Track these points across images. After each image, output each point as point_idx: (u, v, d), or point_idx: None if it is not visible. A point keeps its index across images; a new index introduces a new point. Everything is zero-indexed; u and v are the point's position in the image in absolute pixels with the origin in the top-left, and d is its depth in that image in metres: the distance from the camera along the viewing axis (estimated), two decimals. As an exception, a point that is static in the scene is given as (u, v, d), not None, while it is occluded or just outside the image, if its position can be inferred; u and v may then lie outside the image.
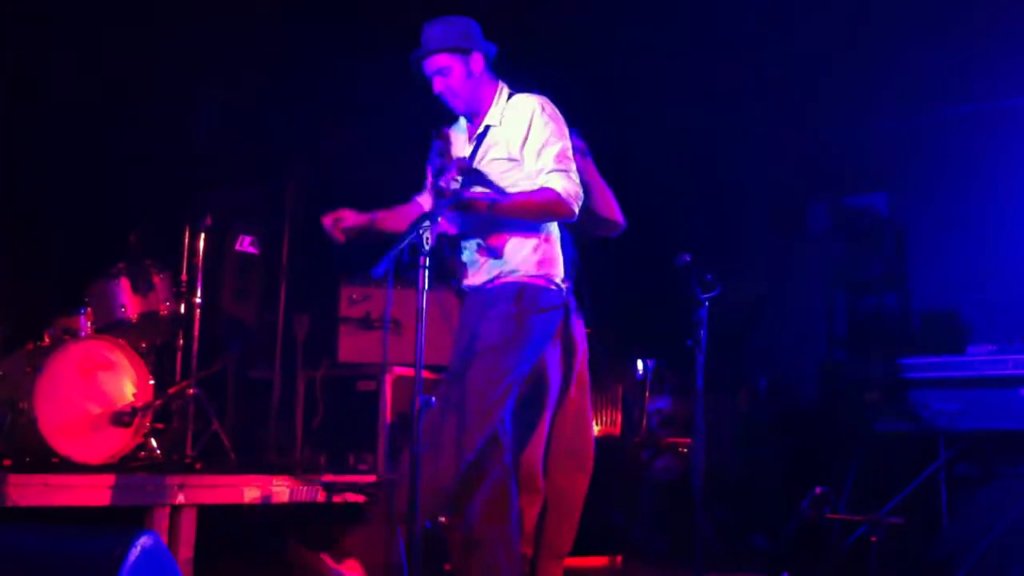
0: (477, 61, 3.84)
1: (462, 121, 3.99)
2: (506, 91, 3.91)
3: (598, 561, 5.33)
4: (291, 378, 5.89)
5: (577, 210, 3.74)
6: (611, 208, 4.52)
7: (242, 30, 6.56)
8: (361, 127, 6.84)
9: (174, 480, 4.49)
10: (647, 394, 6.02)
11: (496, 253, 3.78)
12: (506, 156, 3.78)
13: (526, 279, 3.76)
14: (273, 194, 6.38)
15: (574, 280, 4.36)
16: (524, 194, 3.71)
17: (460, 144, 3.92)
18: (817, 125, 7.32)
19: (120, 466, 4.84)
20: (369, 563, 3.66)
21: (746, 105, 7.40)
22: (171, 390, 5.35)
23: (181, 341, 5.59)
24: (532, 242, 3.79)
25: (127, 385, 5.01)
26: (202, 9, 6.32)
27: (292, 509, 4.89)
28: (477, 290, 3.84)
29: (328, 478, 5.04)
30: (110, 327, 5.22)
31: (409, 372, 5.36)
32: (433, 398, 3.33)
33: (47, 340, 5.03)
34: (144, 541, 2.54)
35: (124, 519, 4.36)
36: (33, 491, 4.10)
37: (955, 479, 5.37)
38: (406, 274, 3.40)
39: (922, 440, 5.44)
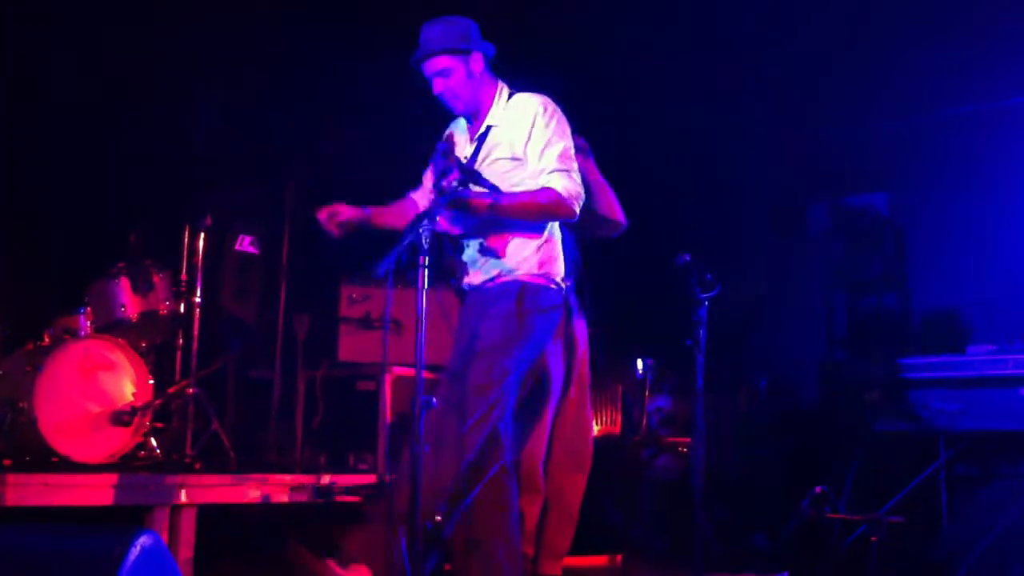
0: (477, 61, 3.84)
1: (462, 120, 3.98)
2: (506, 91, 3.91)
3: (598, 560, 5.32)
4: (291, 378, 5.90)
5: (578, 210, 3.74)
6: (612, 208, 4.53)
7: (242, 30, 6.56)
8: (361, 127, 6.84)
9: (174, 480, 4.48)
10: (647, 393, 6.02)
11: (497, 252, 3.78)
12: (509, 156, 3.78)
13: (527, 278, 3.76)
14: (273, 194, 6.38)
15: (576, 280, 4.36)
16: (525, 194, 3.71)
17: (461, 144, 3.92)
18: (817, 125, 7.32)
19: (120, 466, 4.84)
20: (373, 566, 3.66)
21: (746, 105, 7.40)
22: (171, 389, 5.35)
23: (181, 341, 5.59)
24: (534, 242, 3.79)
25: (127, 384, 5.01)
26: (202, 9, 6.32)
27: (292, 509, 4.89)
28: (477, 289, 3.84)
29: (328, 478, 5.04)
30: (110, 327, 5.22)
31: (409, 372, 5.38)
32: (434, 399, 3.33)
33: (47, 340, 5.04)
34: (144, 540, 2.54)
35: (124, 519, 4.36)
36: (33, 491, 4.09)
37: (955, 479, 5.37)
38: (406, 274, 3.40)
39: (922, 440, 5.43)
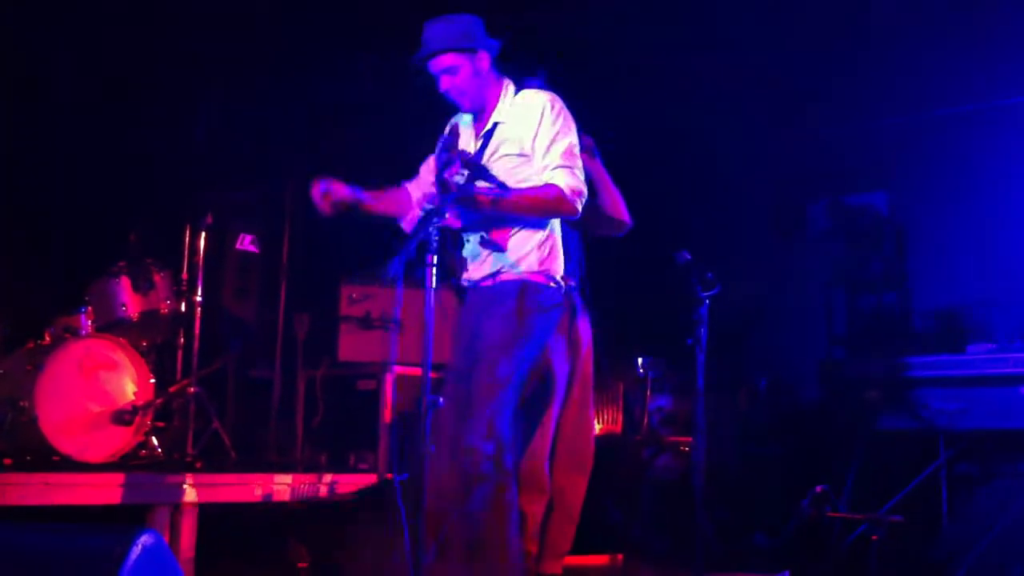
0: (483, 59, 3.82)
1: (466, 116, 3.97)
2: (512, 87, 3.89)
3: (598, 560, 5.32)
4: (291, 377, 5.90)
5: (580, 208, 3.73)
6: (618, 207, 4.53)
7: (242, 30, 6.55)
8: (361, 127, 6.84)
9: (175, 479, 4.49)
10: (648, 392, 6.01)
11: (499, 248, 3.77)
12: (516, 152, 3.77)
13: (527, 276, 3.75)
14: (273, 194, 6.38)
15: (580, 278, 4.36)
16: (528, 190, 3.70)
17: (466, 139, 3.91)
18: (817, 125, 7.32)
19: (121, 465, 4.85)
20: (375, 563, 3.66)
21: (746, 105, 7.40)
22: (172, 389, 5.36)
23: (182, 340, 5.60)
24: (535, 239, 3.78)
25: (128, 384, 5.01)
26: (202, 9, 6.32)
27: (293, 508, 4.89)
28: (478, 289, 3.83)
29: (329, 477, 5.05)
30: (111, 326, 5.22)
31: (410, 371, 5.38)
32: (441, 398, 3.33)
33: (48, 339, 5.04)
34: (145, 540, 2.54)
35: (125, 518, 4.36)
36: (34, 490, 4.10)
37: (955, 478, 5.37)
38: (412, 273, 3.39)
39: (922, 439, 5.43)
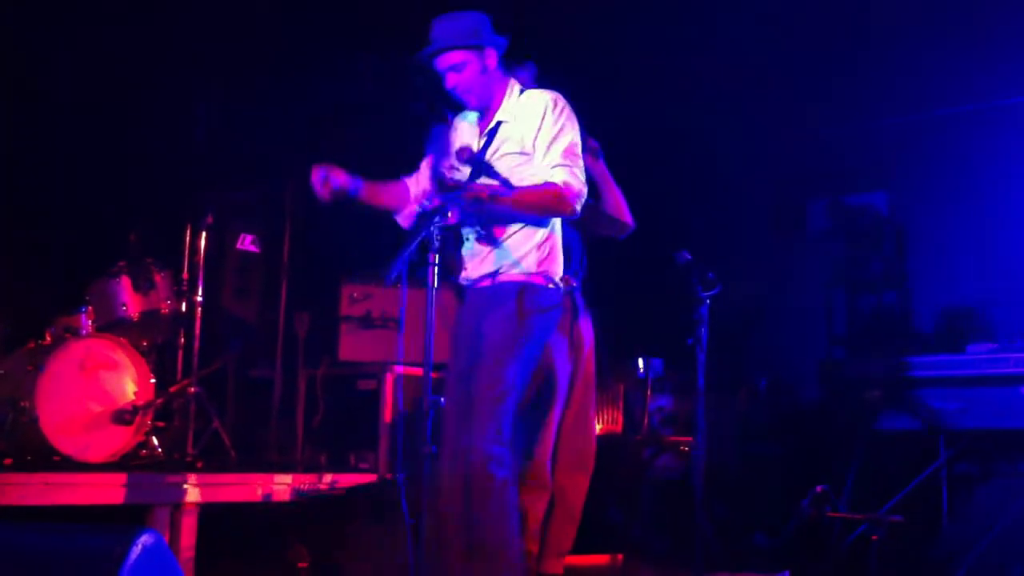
0: (491, 56, 3.81)
1: (471, 114, 3.96)
2: (517, 86, 3.88)
3: (599, 559, 5.32)
4: (292, 377, 5.90)
5: (579, 207, 3.72)
6: (620, 209, 4.53)
7: (242, 30, 6.55)
8: (361, 127, 6.84)
9: (175, 479, 4.49)
10: (648, 392, 6.01)
11: (497, 247, 3.76)
12: (519, 150, 3.76)
13: (526, 277, 3.74)
14: (273, 193, 6.38)
15: (582, 279, 4.36)
16: (527, 188, 3.68)
17: (470, 136, 3.89)
18: (817, 124, 7.32)
19: (121, 465, 4.85)
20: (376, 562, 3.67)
21: (746, 105, 7.40)
22: (172, 389, 5.36)
23: (182, 339, 5.60)
24: (535, 240, 3.76)
25: (128, 384, 5.01)
26: (202, 9, 6.32)
27: (293, 508, 4.89)
28: (477, 290, 3.82)
29: (329, 477, 5.05)
30: (111, 326, 5.22)
31: (410, 371, 5.38)
32: (443, 398, 3.33)
33: (48, 339, 5.04)
34: (145, 539, 2.54)
35: (125, 518, 4.36)
36: (34, 490, 4.10)
37: (955, 478, 5.37)
38: (415, 272, 3.39)
39: (922, 439, 5.43)
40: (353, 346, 5.66)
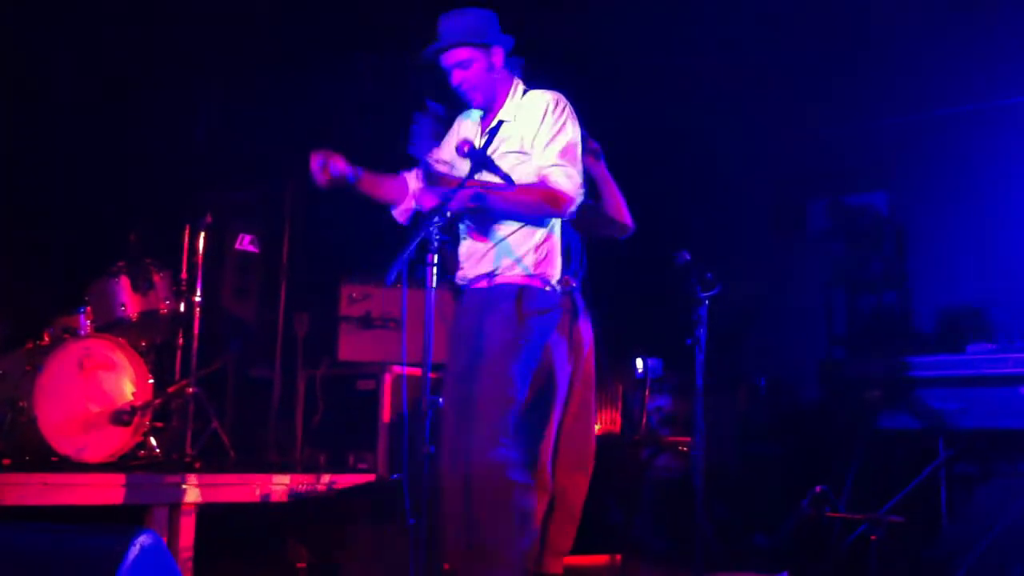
0: (498, 55, 3.80)
1: (474, 112, 3.94)
2: (521, 86, 3.87)
3: (598, 560, 5.32)
4: (291, 377, 5.90)
5: (570, 209, 3.69)
6: (621, 211, 4.52)
7: (242, 30, 6.55)
8: (361, 127, 6.84)
9: (173, 479, 4.49)
10: (647, 392, 6.00)
11: (494, 245, 3.74)
12: (518, 149, 3.74)
13: (523, 280, 3.72)
14: (273, 193, 6.38)
15: (582, 279, 4.36)
16: (518, 187, 3.65)
17: (472, 134, 3.88)
18: (817, 124, 7.31)
19: (120, 465, 4.85)
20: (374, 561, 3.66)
21: (746, 105, 7.40)
22: (171, 389, 5.36)
23: (181, 340, 5.60)
24: (532, 242, 3.75)
25: (127, 384, 5.01)
26: (202, 9, 6.32)
27: (292, 508, 4.89)
28: (474, 290, 3.80)
29: (328, 477, 5.04)
30: (110, 326, 5.22)
31: (410, 371, 5.37)
32: (441, 399, 3.32)
33: (47, 339, 5.04)
34: (143, 540, 2.54)
35: (123, 518, 4.36)
36: (32, 490, 4.10)
37: (955, 478, 5.36)
38: (414, 272, 3.37)
39: (922, 439, 5.43)
40: (352, 346, 5.66)
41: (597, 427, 4.84)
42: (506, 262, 3.73)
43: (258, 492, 4.75)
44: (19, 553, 2.61)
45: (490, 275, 3.75)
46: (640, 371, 6.04)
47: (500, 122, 3.81)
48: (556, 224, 3.86)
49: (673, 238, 4.76)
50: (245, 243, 6.27)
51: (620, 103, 6.98)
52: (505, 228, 3.74)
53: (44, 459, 4.66)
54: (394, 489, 4.97)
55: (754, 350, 7.35)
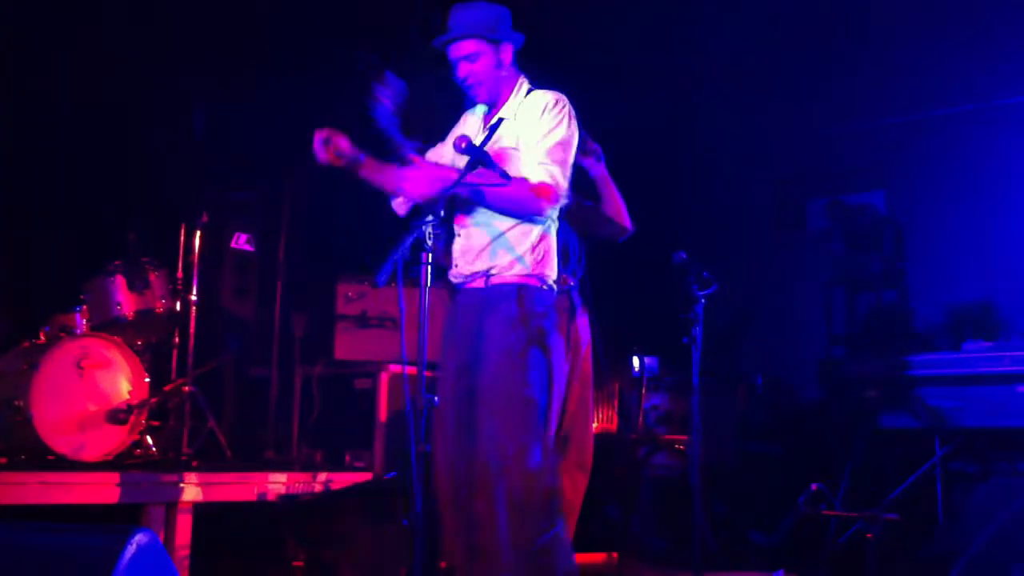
0: (507, 52, 3.76)
1: (479, 108, 3.91)
2: (526, 85, 3.82)
3: (595, 558, 5.32)
4: (288, 376, 5.90)
5: (550, 210, 3.63)
6: (620, 213, 4.52)
7: (241, 29, 6.55)
8: (361, 127, 6.82)
9: (170, 478, 4.49)
10: (643, 390, 6.00)
11: (490, 243, 3.71)
12: (512, 146, 3.71)
13: (521, 280, 3.68)
14: (270, 193, 6.38)
15: (580, 278, 4.35)
16: (500, 183, 3.60)
17: (473, 130, 3.86)
18: (817, 125, 7.32)
19: (116, 464, 4.84)
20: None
21: (746, 105, 7.40)
22: (167, 387, 5.36)
23: (177, 339, 5.60)
24: (529, 241, 3.68)
25: (123, 383, 5.01)
26: (202, 9, 6.32)
27: (289, 506, 4.88)
28: (470, 290, 3.76)
29: (325, 476, 5.04)
30: (106, 325, 5.22)
31: (407, 370, 5.36)
32: (436, 397, 3.30)
33: (43, 338, 5.04)
34: (140, 539, 2.53)
35: (120, 517, 4.36)
36: (28, 489, 4.10)
37: (952, 475, 5.36)
38: (408, 271, 3.35)
39: (920, 437, 5.43)
40: (349, 345, 5.66)
41: (594, 425, 4.85)
42: (502, 261, 3.68)
43: (255, 491, 4.75)
44: (15, 552, 2.60)
45: (486, 275, 3.71)
46: (636, 369, 6.04)
47: (500, 120, 3.77)
48: (552, 223, 3.83)
49: (672, 237, 4.77)
50: (241, 242, 6.27)
51: (620, 103, 6.98)
52: (500, 226, 3.70)
53: (40, 458, 4.66)
54: (391, 487, 4.98)
55: (753, 349, 7.36)
